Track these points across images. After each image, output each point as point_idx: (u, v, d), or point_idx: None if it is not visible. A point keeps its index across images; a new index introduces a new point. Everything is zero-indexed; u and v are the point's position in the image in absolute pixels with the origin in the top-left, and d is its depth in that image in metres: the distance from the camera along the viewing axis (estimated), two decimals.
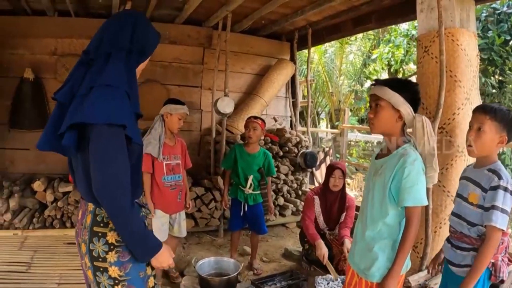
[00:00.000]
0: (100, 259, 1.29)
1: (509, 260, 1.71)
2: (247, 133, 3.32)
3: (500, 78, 5.94)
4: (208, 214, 4.23)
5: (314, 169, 5.37)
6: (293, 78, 5.68)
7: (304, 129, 5.60)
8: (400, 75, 8.11)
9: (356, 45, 10.74)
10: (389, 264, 1.59)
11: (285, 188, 4.78)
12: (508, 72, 5.81)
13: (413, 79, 3.31)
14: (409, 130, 1.71)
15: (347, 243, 2.98)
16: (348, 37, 9.87)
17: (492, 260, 1.63)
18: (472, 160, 1.92)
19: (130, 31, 1.34)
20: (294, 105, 5.76)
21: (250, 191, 3.30)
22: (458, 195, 1.79)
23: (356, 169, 8.89)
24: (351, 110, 11.10)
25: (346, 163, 7.14)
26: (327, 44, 10.74)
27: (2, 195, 3.54)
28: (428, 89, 2.69)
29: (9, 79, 4.07)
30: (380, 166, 1.67)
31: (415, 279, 2.42)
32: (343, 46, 10.18)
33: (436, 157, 1.65)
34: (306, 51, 5.55)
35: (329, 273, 2.85)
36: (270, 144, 4.65)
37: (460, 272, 1.68)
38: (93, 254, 1.30)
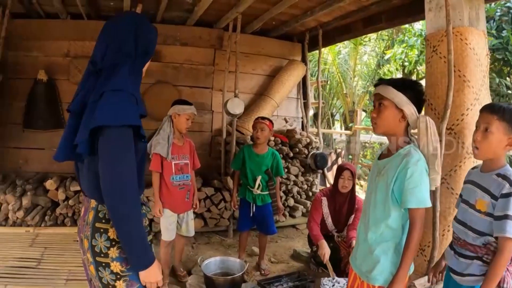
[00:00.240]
0: (102, 255, 1.32)
1: None
2: (255, 134, 3.33)
3: None
4: (218, 214, 4.26)
5: (326, 170, 5.34)
6: (304, 79, 5.66)
7: (323, 130, 5.57)
8: (414, 76, 7.96)
9: (370, 46, 10.63)
10: (392, 268, 1.56)
11: (295, 189, 4.77)
12: None
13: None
14: (413, 131, 1.68)
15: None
16: (362, 38, 9.79)
17: None
18: (480, 162, 1.86)
19: (134, 38, 1.38)
20: (306, 106, 5.73)
21: (259, 192, 3.31)
22: (464, 201, 1.68)
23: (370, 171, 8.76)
24: (365, 111, 10.98)
25: (359, 165, 7.08)
26: (340, 45, 10.68)
27: (15, 193, 3.66)
28: (436, 89, 2.64)
29: (23, 81, 4.20)
30: (382, 167, 1.64)
31: (421, 283, 2.37)
32: (357, 47, 10.09)
33: (439, 159, 1.61)
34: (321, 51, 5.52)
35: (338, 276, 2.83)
36: (280, 145, 4.64)
37: (463, 282, 1.60)
38: (95, 249, 1.32)
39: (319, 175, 5.18)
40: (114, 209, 1.21)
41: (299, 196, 4.85)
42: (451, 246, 1.72)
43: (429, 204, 1.54)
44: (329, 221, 3.29)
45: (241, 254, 3.51)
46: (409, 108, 1.56)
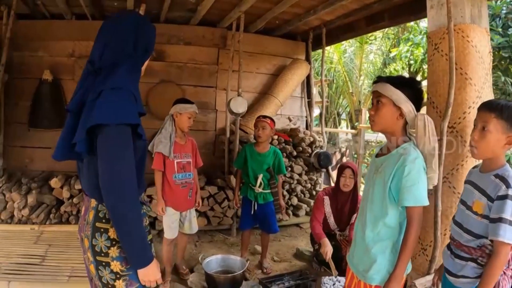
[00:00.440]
0: (103, 254, 1.32)
1: None
2: (256, 132, 3.34)
3: None
4: (221, 213, 4.27)
5: (330, 169, 5.33)
6: (308, 78, 5.65)
7: (326, 129, 5.56)
8: (420, 75, 7.90)
9: (376, 44, 10.57)
10: (389, 267, 1.55)
11: (299, 188, 4.77)
12: None
13: None
14: (411, 129, 1.67)
15: None
16: (368, 37, 9.74)
17: None
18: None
19: (133, 38, 1.37)
20: (310, 105, 5.72)
21: (260, 190, 3.32)
22: (462, 202, 1.63)
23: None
24: None
25: (364, 164, 7.04)
26: (346, 43, 10.64)
27: (20, 191, 3.72)
28: (438, 87, 2.61)
29: (29, 81, 4.26)
30: (380, 165, 1.64)
31: (421, 283, 2.35)
32: (363, 46, 10.04)
33: (437, 157, 1.59)
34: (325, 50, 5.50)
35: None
36: (283, 144, 4.65)
37: (457, 283, 1.57)
38: (95, 249, 1.33)
39: (323, 174, 5.17)
40: (113, 207, 1.21)
41: (302, 195, 4.85)
42: (448, 246, 1.69)
43: (426, 202, 1.52)
44: (331, 220, 3.29)
45: (244, 252, 3.52)
46: (407, 106, 1.55)
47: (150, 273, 1.31)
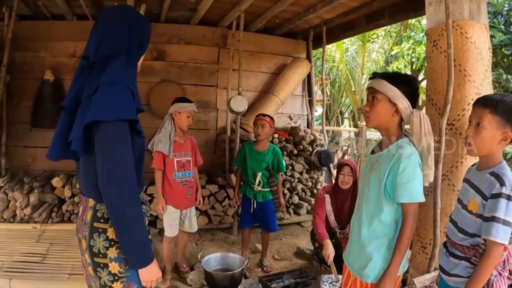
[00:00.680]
0: (101, 255, 1.28)
1: (510, 273, 1.49)
2: (255, 131, 3.35)
3: None
4: (222, 211, 4.28)
5: (332, 167, 5.33)
6: (309, 77, 5.64)
7: (327, 127, 5.55)
8: (422, 73, 7.86)
9: (378, 43, 10.54)
10: (385, 264, 1.55)
11: (300, 186, 4.77)
12: None
13: None
14: (407, 126, 1.66)
15: None
16: (370, 35, 9.72)
17: None
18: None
19: (127, 33, 1.33)
20: (311, 103, 5.72)
21: (259, 188, 3.33)
22: (458, 200, 1.61)
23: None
24: None
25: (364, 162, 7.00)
26: (348, 42, 10.62)
27: (22, 191, 3.75)
28: (437, 84, 2.60)
29: (31, 81, 4.29)
30: (375, 162, 1.63)
31: (420, 281, 2.34)
32: (365, 44, 10.01)
33: (433, 154, 1.58)
34: (326, 48, 5.49)
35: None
36: (284, 143, 4.65)
37: (450, 282, 1.55)
38: (93, 250, 1.29)
39: (324, 172, 5.17)
40: (113, 206, 1.18)
41: (303, 194, 4.85)
42: (444, 244, 1.67)
43: (422, 199, 1.52)
44: (331, 218, 3.28)
45: (244, 250, 3.53)
46: (403, 103, 1.54)
47: (151, 272, 1.28)
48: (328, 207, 3.28)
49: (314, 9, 4.07)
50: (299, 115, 5.67)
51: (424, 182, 1.57)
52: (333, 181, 5.39)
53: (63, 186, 3.90)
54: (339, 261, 2.97)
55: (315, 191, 4.90)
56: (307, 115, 5.71)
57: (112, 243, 1.28)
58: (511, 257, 1.51)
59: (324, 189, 3.39)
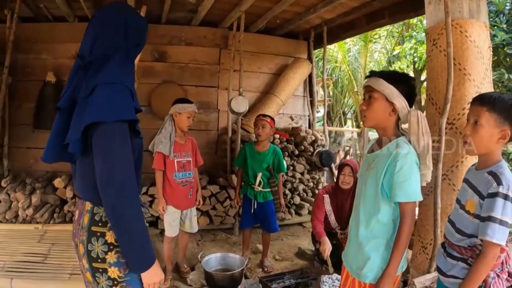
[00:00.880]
0: (99, 260, 1.24)
1: (509, 276, 1.47)
2: (256, 131, 3.35)
3: None
4: (223, 212, 4.29)
5: (334, 167, 5.32)
6: (310, 77, 5.64)
7: (330, 128, 5.55)
8: (424, 73, 7.83)
9: (380, 43, 10.51)
10: (383, 264, 1.53)
11: (301, 187, 4.76)
12: None
13: None
14: (404, 126, 1.65)
15: None
16: (372, 35, 9.69)
17: None
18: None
19: (124, 31, 1.30)
20: (312, 104, 5.71)
21: (260, 189, 3.33)
22: (457, 200, 1.58)
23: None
24: None
25: None
26: (350, 42, 10.59)
27: (25, 191, 3.77)
28: (437, 83, 2.59)
29: (33, 83, 4.32)
30: (372, 161, 1.62)
31: (421, 281, 2.32)
32: (367, 45, 9.98)
33: (430, 154, 1.57)
34: (328, 48, 5.49)
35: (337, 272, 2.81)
36: (285, 143, 4.65)
37: (446, 283, 1.52)
38: (91, 255, 1.24)
39: (325, 172, 5.16)
40: (114, 208, 1.14)
41: (305, 194, 4.84)
42: (442, 244, 1.64)
43: (419, 198, 1.50)
44: (331, 218, 3.27)
45: (245, 251, 3.53)
46: (400, 102, 1.53)
47: (153, 275, 1.23)
48: (328, 207, 3.27)
49: (314, 9, 4.07)
50: (300, 115, 5.67)
51: (421, 182, 1.55)
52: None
53: (65, 187, 3.92)
54: (339, 261, 2.98)
55: (316, 191, 4.89)
56: (309, 116, 5.70)
57: (111, 247, 1.24)
58: (510, 259, 1.49)
59: (324, 189, 3.39)
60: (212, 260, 2.95)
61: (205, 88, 5.04)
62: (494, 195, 1.34)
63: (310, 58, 5.54)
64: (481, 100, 1.45)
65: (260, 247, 3.79)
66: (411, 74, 8.62)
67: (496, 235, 1.31)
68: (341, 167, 3.22)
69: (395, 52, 8.43)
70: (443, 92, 2.51)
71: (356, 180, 3.18)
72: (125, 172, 1.17)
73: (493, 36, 4.73)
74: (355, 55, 10.92)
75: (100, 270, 1.24)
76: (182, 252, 3.29)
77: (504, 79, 4.82)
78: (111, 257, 1.24)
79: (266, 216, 3.38)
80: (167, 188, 3.00)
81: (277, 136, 4.52)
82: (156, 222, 4.10)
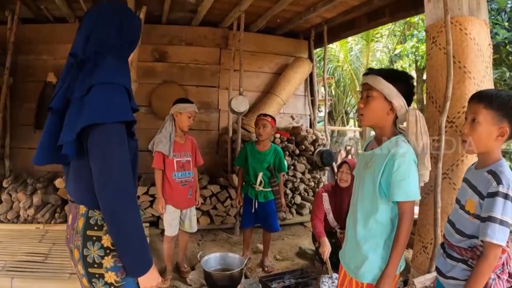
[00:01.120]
0: (96, 265, 1.20)
1: (510, 276, 1.44)
2: (257, 131, 3.35)
3: None
4: (224, 211, 4.29)
5: (335, 167, 5.30)
6: (311, 76, 5.63)
7: (332, 127, 5.54)
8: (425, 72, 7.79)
9: (382, 42, 10.48)
10: (381, 264, 1.52)
11: (302, 186, 4.76)
12: None
13: None
14: (402, 125, 1.64)
15: None
16: (374, 34, 9.67)
17: None
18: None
19: (117, 28, 1.27)
20: (313, 103, 5.70)
21: (261, 188, 3.32)
22: (457, 200, 1.55)
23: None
24: None
25: None
26: (352, 41, 10.57)
27: (26, 192, 3.79)
28: (437, 81, 2.57)
29: (34, 83, 4.33)
30: (369, 159, 1.60)
31: (421, 281, 2.30)
32: (369, 44, 9.96)
33: (429, 154, 1.55)
34: (328, 47, 5.48)
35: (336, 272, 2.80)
36: (286, 143, 4.64)
37: (446, 284, 1.50)
38: (87, 260, 1.20)
39: (326, 172, 5.14)
40: (114, 211, 1.11)
41: (306, 194, 4.83)
42: (442, 244, 1.60)
43: (418, 197, 1.49)
44: (330, 216, 3.25)
45: (246, 251, 3.52)
46: (399, 101, 1.50)
47: (150, 278, 1.21)
48: (327, 205, 3.26)
49: (314, 8, 4.07)
50: (301, 115, 5.66)
51: (419, 182, 1.54)
52: None
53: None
54: (338, 261, 2.96)
55: (317, 191, 4.88)
56: (310, 115, 5.69)
57: (108, 251, 1.20)
58: (511, 260, 1.46)
59: (324, 188, 3.38)
60: (212, 259, 2.95)
61: (205, 88, 5.04)
62: (494, 194, 1.31)
63: (310, 57, 5.54)
64: (478, 98, 1.43)
65: (260, 246, 3.79)
66: (413, 73, 8.59)
67: (497, 235, 1.28)
68: (340, 165, 3.22)
69: (396, 51, 8.39)
70: (443, 90, 2.49)
71: (353, 178, 3.17)
72: (124, 174, 1.14)
73: (494, 34, 4.70)
74: (357, 54, 10.91)
75: (97, 276, 1.21)
76: (182, 252, 3.29)
77: (506, 77, 4.79)
78: (108, 261, 1.20)
79: (267, 216, 3.37)
80: (167, 187, 3.01)
81: (277, 135, 4.52)
82: (157, 222, 4.11)
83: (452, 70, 2.35)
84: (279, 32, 5.31)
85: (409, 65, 8.88)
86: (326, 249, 2.79)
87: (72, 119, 1.16)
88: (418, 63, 7.84)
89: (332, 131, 10.42)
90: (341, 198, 3.21)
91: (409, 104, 1.55)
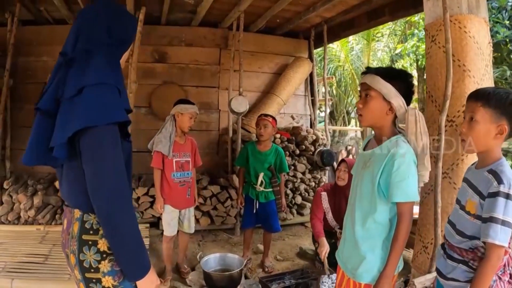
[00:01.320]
0: (92, 270, 1.18)
1: (511, 278, 1.41)
2: (258, 131, 3.34)
3: None
4: (224, 212, 4.28)
5: (336, 167, 5.28)
6: (311, 76, 5.62)
7: (333, 127, 5.53)
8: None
9: (383, 41, 10.46)
10: (380, 265, 1.51)
11: (303, 186, 4.75)
12: None
13: None
14: (401, 124, 1.62)
15: None
16: (374, 34, 9.65)
17: None
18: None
19: (107, 25, 1.24)
20: (313, 103, 5.69)
21: (262, 189, 3.32)
22: (457, 201, 1.53)
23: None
24: None
25: None
26: (353, 41, 10.56)
27: (26, 193, 3.80)
28: (436, 80, 2.56)
29: (34, 85, 4.34)
30: (368, 159, 1.58)
31: (421, 281, 2.29)
32: (370, 43, 9.94)
33: (428, 154, 1.53)
34: (329, 47, 5.47)
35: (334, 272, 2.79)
36: (286, 143, 4.63)
37: (446, 286, 1.47)
38: (83, 265, 1.18)
39: (327, 172, 5.13)
40: (110, 215, 1.09)
41: (306, 194, 4.82)
42: (442, 245, 1.58)
43: (417, 198, 1.47)
44: (329, 216, 3.24)
45: (246, 251, 3.51)
46: (398, 101, 1.49)
47: (149, 282, 1.19)
48: (325, 204, 3.24)
49: (314, 8, 4.06)
50: (301, 115, 5.65)
51: (419, 183, 1.52)
52: None
53: None
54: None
55: None
56: (310, 115, 5.68)
57: (104, 255, 1.18)
58: None
59: (323, 187, 3.37)
60: (211, 260, 2.95)
61: (205, 88, 5.04)
62: (495, 194, 1.29)
63: (311, 57, 5.53)
64: (476, 96, 1.41)
65: (261, 247, 3.78)
66: (414, 72, 8.56)
67: (499, 236, 1.25)
68: (338, 164, 3.21)
69: (397, 51, 8.37)
70: (442, 89, 2.48)
71: (351, 177, 3.16)
72: (118, 175, 1.12)
73: (495, 33, 4.68)
74: (358, 54, 10.89)
75: (94, 280, 1.18)
76: (182, 252, 3.29)
77: (507, 75, 4.76)
78: (105, 266, 1.18)
79: (268, 216, 3.37)
80: (165, 187, 3.02)
81: (277, 135, 4.51)
82: (157, 223, 4.11)
83: (452, 69, 2.34)
84: (279, 32, 5.30)
85: (410, 65, 8.86)
86: (324, 248, 2.78)
87: (63, 120, 1.13)
88: (419, 62, 7.82)
89: (334, 131, 10.41)
90: (340, 197, 3.20)
91: (408, 103, 1.53)
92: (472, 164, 1.60)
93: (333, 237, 3.12)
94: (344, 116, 12.33)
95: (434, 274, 2.26)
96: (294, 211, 4.70)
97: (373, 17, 4.20)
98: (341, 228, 3.26)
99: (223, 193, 4.29)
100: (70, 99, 1.13)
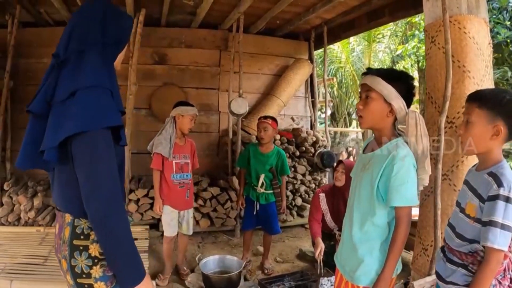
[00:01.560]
0: (84, 275, 1.16)
1: (511, 282, 1.40)
2: (258, 134, 3.34)
3: None
4: (224, 214, 4.27)
5: None
6: (311, 78, 5.61)
7: (334, 129, 5.52)
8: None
9: (384, 43, 10.45)
10: (378, 267, 1.49)
11: (303, 188, 4.74)
12: None
13: None
14: (401, 126, 1.61)
15: None
16: (375, 35, 9.64)
17: None
18: None
19: (100, 24, 1.21)
20: (313, 104, 5.68)
21: (262, 190, 3.31)
22: (457, 203, 1.52)
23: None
24: None
25: None
26: (354, 42, 10.55)
27: (27, 194, 3.80)
28: (436, 81, 2.55)
29: (35, 86, 4.19)
30: (367, 161, 1.57)
31: (420, 284, 2.27)
32: (371, 44, 9.93)
33: (429, 157, 1.52)
34: (330, 48, 5.46)
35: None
36: (286, 144, 4.62)
37: None
38: (75, 270, 1.16)
39: (327, 173, 5.12)
40: (103, 221, 1.07)
41: (306, 196, 4.81)
42: (442, 248, 1.57)
43: (416, 202, 1.46)
44: (328, 217, 3.23)
45: (246, 253, 3.51)
46: (398, 103, 1.47)
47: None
48: (324, 205, 3.24)
49: (313, 9, 4.05)
50: (301, 116, 5.63)
51: (419, 186, 1.51)
52: None
53: None
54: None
55: None
56: (310, 117, 5.67)
57: (96, 260, 1.16)
58: None
59: (321, 188, 3.37)
60: (210, 262, 2.95)
61: (205, 90, 5.03)
62: (495, 197, 1.27)
63: (311, 59, 5.52)
64: (473, 98, 1.41)
65: (261, 249, 3.77)
66: (415, 73, 8.54)
67: (498, 240, 1.24)
68: (336, 165, 3.21)
69: (398, 52, 8.36)
70: (442, 90, 2.46)
71: (349, 179, 3.15)
72: (111, 178, 1.10)
73: (496, 34, 4.66)
74: (359, 55, 10.87)
75: (86, 286, 1.17)
76: (181, 254, 3.29)
77: (508, 76, 4.74)
78: (96, 271, 1.16)
79: (268, 218, 3.36)
80: (165, 188, 3.03)
81: (277, 137, 4.50)
82: (157, 224, 4.10)
83: (451, 70, 2.33)
84: (278, 34, 5.29)
85: (411, 66, 8.84)
86: (319, 248, 2.77)
87: (55, 123, 1.11)
88: (420, 64, 7.79)
89: (335, 132, 10.39)
90: (338, 198, 3.19)
91: (409, 105, 1.51)
92: (473, 166, 1.58)
93: (332, 239, 3.11)
94: (345, 118, 12.31)
95: (434, 276, 2.25)
96: (294, 213, 4.69)
97: (373, 18, 4.19)
98: (340, 230, 3.26)
99: (223, 195, 4.28)
100: (62, 102, 1.11)
